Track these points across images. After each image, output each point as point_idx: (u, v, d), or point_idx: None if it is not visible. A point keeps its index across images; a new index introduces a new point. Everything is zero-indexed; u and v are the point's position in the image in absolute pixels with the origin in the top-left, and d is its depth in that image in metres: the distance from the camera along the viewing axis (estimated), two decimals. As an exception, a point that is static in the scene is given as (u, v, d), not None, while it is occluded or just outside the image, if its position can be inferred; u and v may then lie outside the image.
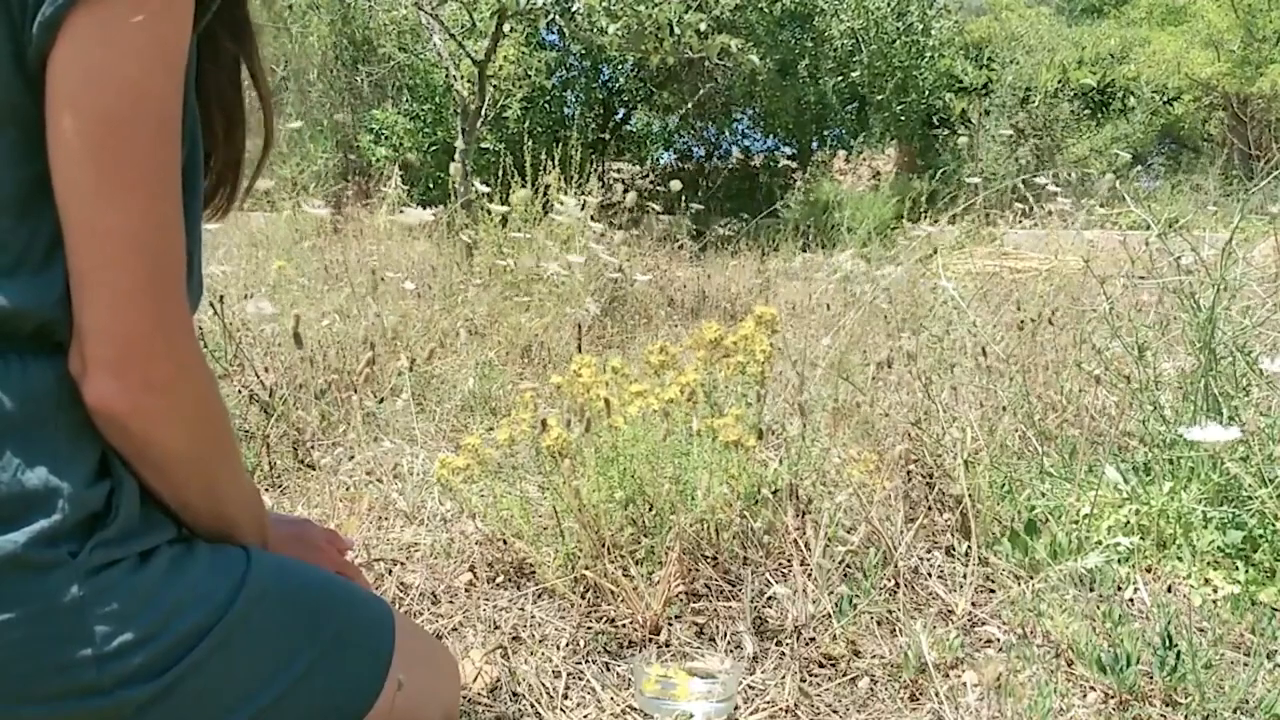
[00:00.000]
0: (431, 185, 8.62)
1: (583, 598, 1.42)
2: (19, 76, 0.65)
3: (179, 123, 0.69)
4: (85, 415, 0.68)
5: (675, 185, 4.89)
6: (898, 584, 1.46)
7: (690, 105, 10.66)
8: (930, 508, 1.66)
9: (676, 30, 5.49)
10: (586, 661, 1.29)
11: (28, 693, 0.64)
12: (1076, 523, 1.59)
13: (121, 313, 0.66)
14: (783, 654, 1.30)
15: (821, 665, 1.29)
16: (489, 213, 3.79)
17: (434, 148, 9.08)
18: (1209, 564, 1.51)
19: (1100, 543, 1.52)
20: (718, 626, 1.37)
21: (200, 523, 0.76)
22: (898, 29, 10.32)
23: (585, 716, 1.18)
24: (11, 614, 0.62)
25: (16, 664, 0.63)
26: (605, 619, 1.38)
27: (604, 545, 1.41)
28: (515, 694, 1.20)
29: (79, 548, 0.65)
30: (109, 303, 0.66)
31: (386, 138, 9.05)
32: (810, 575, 1.38)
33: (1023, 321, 2.42)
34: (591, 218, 3.92)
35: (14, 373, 0.66)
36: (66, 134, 0.64)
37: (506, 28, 6.04)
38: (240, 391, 2.22)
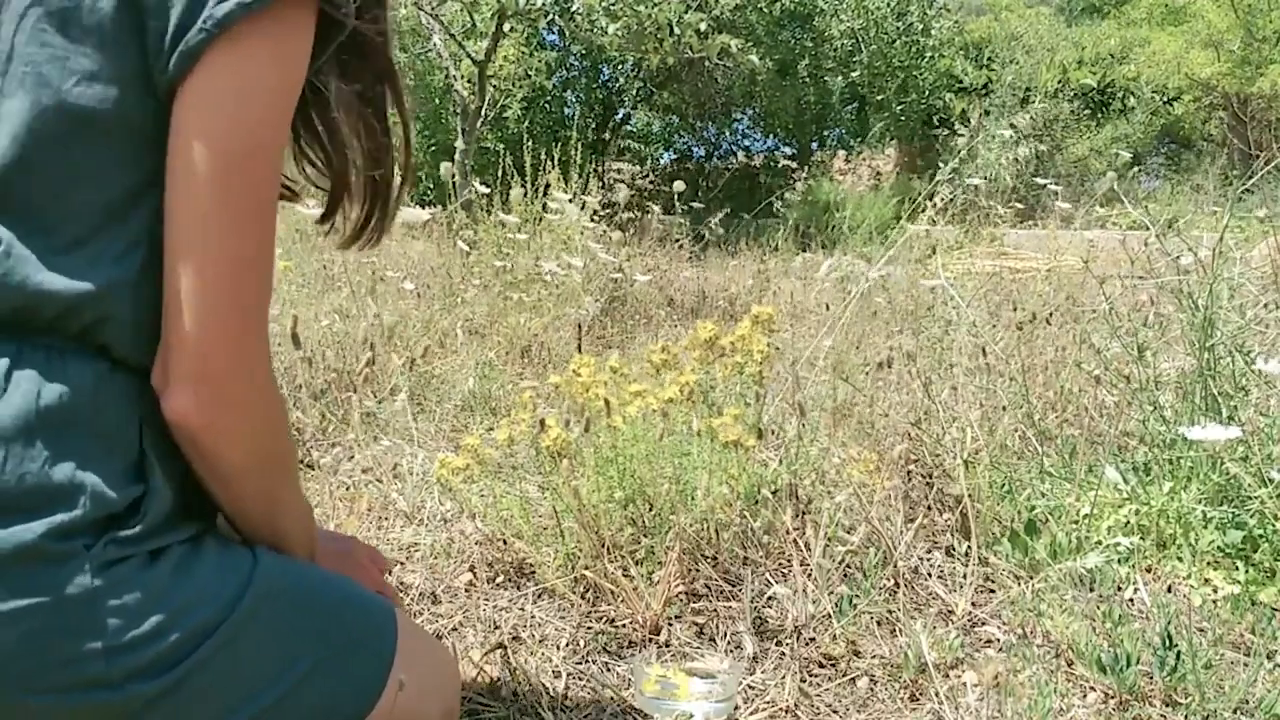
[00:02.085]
0: (431, 185, 8.63)
1: (583, 598, 1.42)
2: (146, 97, 0.69)
3: (283, 158, 0.74)
4: (121, 419, 0.70)
5: (679, 186, 4.88)
6: (898, 584, 1.45)
7: (690, 105, 10.66)
8: (930, 508, 1.66)
9: (676, 30, 5.49)
10: (586, 661, 1.29)
11: (36, 683, 0.64)
12: (1076, 523, 1.59)
13: (211, 333, 0.69)
14: (783, 654, 1.30)
15: (821, 665, 1.29)
16: (489, 214, 3.79)
17: (434, 148, 9.08)
18: (1209, 564, 1.51)
19: (1100, 543, 1.52)
20: (718, 626, 1.37)
21: (256, 533, 0.80)
22: (898, 29, 10.32)
23: (585, 716, 1.18)
24: (24, 602, 0.63)
25: (27, 654, 0.64)
26: (605, 619, 1.38)
27: (604, 545, 1.41)
28: (515, 694, 1.19)
29: (93, 541, 0.66)
30: (202, 322, 0.69)
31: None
32: (810, 575, 1.38)
33: (1022, 322, 2.42)
34: (592, 217, 3.92)
35: (55, 369, 0.68)
36: (192, 161, 0.68)
37: (506, 28, 6.04)
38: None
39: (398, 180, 0.88)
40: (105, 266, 0.69)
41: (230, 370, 0.71)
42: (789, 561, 1.44)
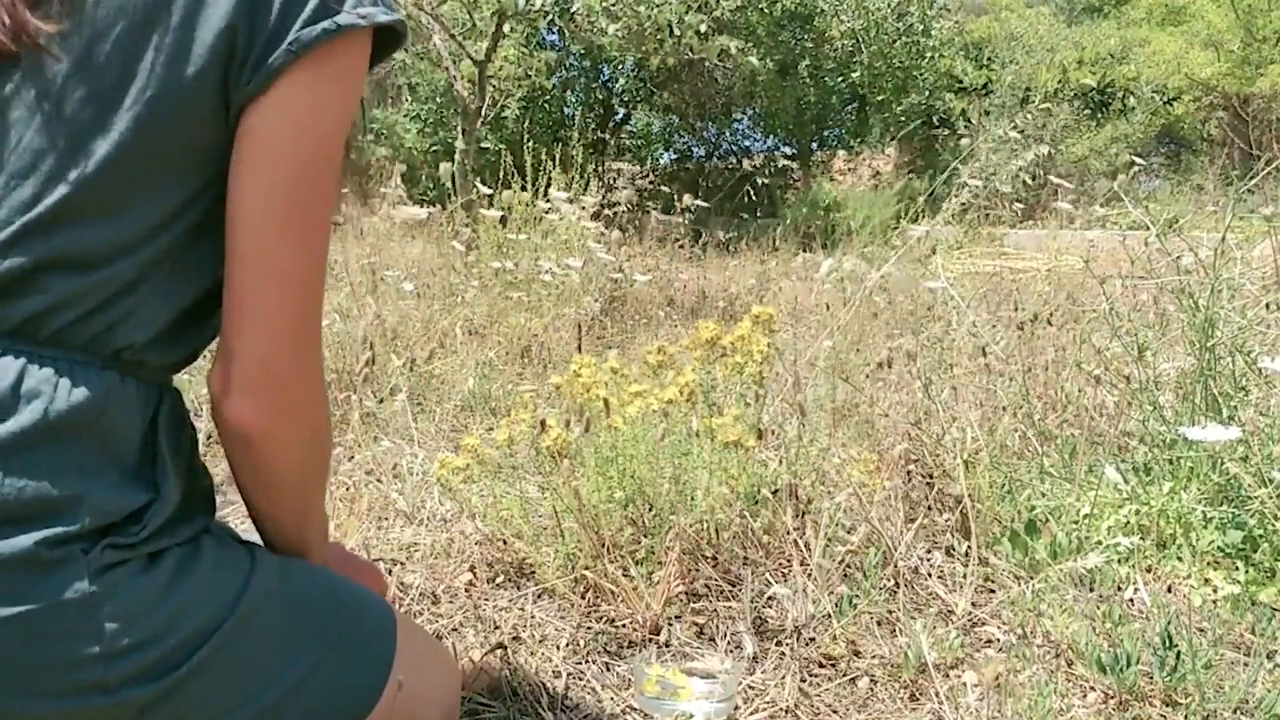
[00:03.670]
0: (431, 185, 8.63)
1: (582, 598, 1.41)
2: (218, 115, 0.70)
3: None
4: (130, 429, 0.71)
5: (687, 200, 4.87)
6: (898, 584, 1.45)
7: (690, 105, 10.66)
8: (930, 508, 1.65)
9: (677, 31, 5.49)
10: (586, 662, 1.29)
11: (34, 688, 0.64)
12: (1076, 523, 1.59)
13: (274, 341, 0.71)
14: (783, 654, 1.29)
15: (821, 665, 1.29)
16: (486, 214, 3.79)
17: (434, 148, 9.08)
18: (1209, 564, 1.50)
19: (1100, 543, 1.52)
20: (718, 626, 1.37)
21: (284, 542, 0.82)
22: (898, 29, 10.32)
23: (585, 717, 1.18)
24: (22, 608, 0.63)
25: (25, 658, 0.64)
26: (605, 619, 1.38)
27: (604, 545, 1.40)
28: (515, 694, 1.19)
29: (91, 546, 0.66)
30: (266, 331, 0.71)
31: (386, 137, 9.06)
32: (810, 575, 1.38)
33: (1022, 322, 2.42)
34: (593, 216, 3.92)
35: (63, 381, 0.68)
36: (264, 174, 0.70)
37: (506, 28, 6.04)
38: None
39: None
40: (135, 272, 0.70)
41: (292, 378, 0.73)
42: (789, 561, 1.44)
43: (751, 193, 9.54)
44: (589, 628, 1.35)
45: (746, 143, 11.84)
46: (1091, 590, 1.42)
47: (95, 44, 0.68)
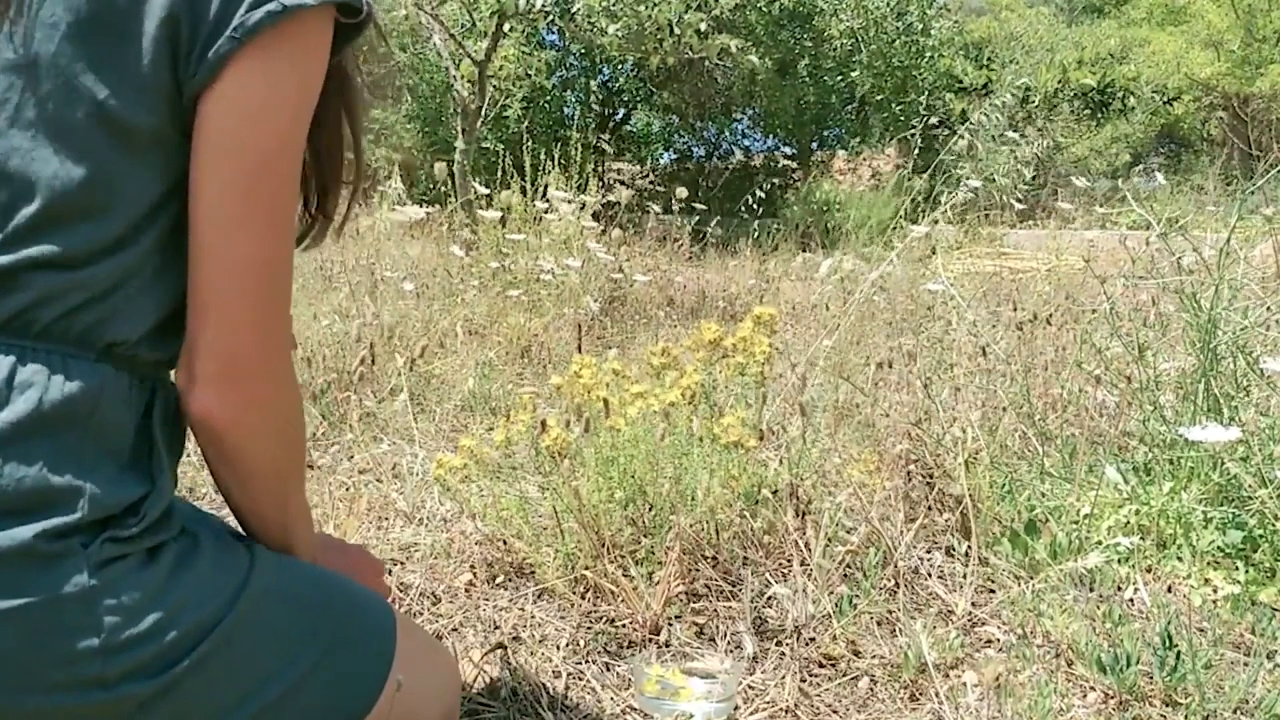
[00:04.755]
0: (431, 185, 8.63)
1: (582, 598, 1.41)
2: (174, 106, 0.69)
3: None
4: (124, 421, 0.71)
5: (681, 192, 4.86)
6: (898, 584, 1.45)
7: (690, 105, 10.66)
8: (930, 508, 1.65)
9: (676, 30, 5.49)
10: (586, 662, 1.29)
11: (32, 682, 0.64)
12: (1076, 523, 1.59)
13: (236, 334, 0.71)
14: (783, 654, 1.29)
15: (821, 665, 1.29)
16: (485, 215, 3.79)
17: (434, 148, 9.08)
18: (1209, 564, 1.50)
19: (1100, 543, 1.52)
20: (718, 626, 1.37)
21: (268, 534, 0.81)
22: (897, 29, 10.32)
23: (585, 717, 1.18)
24: (20, 601, 0.63)
25: (23, 652, 0.64)
26: (605, 619, 1.38)
27: (604, 545, 1.40)
28: (515, 694, 1.19)
29: (90, 540, 0.66)
30: (229, 324, 0.70)
31: (386, 138, 9.05)
32: (810, 575, 1.38)
33: (1022, 322, 2.42)
34: (594, 216, 3.92)
35: (57, 373, 0.68)
36: (220, 165, 0.69)
37: (506, 28, 6.04)
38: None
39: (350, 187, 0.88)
40: (120, 270, 0.70)
41: (256, 369, 0.72)
42: (789, 561, 1.44)
43: (751, 192, 9.53)
44: (589, 628, 1.35)
45: (746, 143, 11.85)
46: (1091, 590, 1.42)
47: (44, 45, 0.67)
